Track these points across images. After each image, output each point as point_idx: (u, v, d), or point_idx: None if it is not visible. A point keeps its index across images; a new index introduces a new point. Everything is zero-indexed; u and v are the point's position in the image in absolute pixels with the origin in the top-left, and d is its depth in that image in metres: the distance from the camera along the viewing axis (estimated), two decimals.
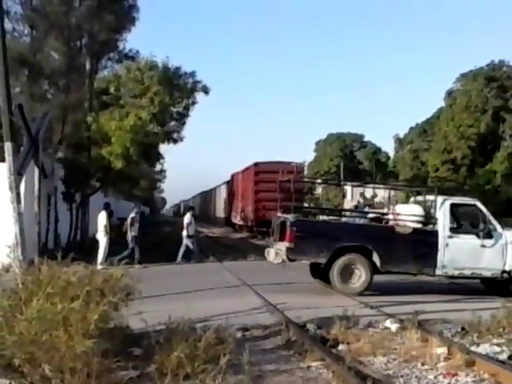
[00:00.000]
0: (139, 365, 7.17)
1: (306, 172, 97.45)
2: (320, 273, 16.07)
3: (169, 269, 20.75)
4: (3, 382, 5.90)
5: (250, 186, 43.26)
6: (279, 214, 17.05)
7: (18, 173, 12.60)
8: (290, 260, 15.52)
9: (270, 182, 33.45)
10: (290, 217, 15.44)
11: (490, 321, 10.47)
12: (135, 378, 6.88)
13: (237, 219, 50.03)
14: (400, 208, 17.31)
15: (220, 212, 64.05)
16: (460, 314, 11.30)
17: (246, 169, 46.29)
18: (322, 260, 15.15)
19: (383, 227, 16.30)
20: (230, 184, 54.98)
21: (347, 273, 14.97)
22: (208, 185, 79.90)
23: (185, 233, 23.70)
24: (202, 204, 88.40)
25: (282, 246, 15.53)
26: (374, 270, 15.11)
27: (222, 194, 62.21)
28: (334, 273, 14.92)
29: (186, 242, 23.44)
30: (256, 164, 43.50)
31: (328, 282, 15.36)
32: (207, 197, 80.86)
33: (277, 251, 15.92)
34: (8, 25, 25.39)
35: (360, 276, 15.02)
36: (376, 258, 15.05)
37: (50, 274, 7.07)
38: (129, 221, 21.92)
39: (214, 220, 67.83)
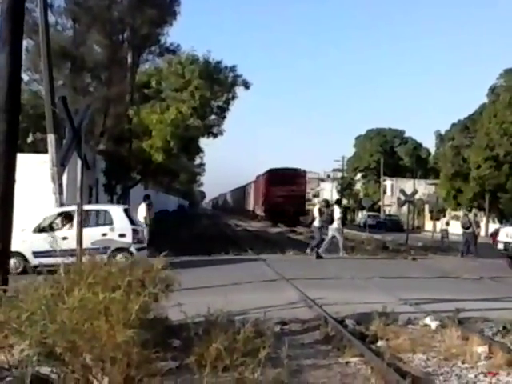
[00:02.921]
0: (178, 356, 7.21)
1: (345, 167, 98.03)
2: None
3: (208, 261, 20.80)
4: (45, 370, 5.97)
5: (267, 186, 58.08)
6: None
7: (61, 164, 12.76)
8: None
9: (282, 183, 54.99)
10: None
11: None
12: (174, 368, 6.92)
13: (258, 211, 65.54)
14: None
15: (249, 206, 77.43)
16: (501, 313, 11.12)
17: (264, 173, 62.27)
18: None
19: None
20: (256, 184, 69.72)
21: None
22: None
23: (335, 225, 23.72)
24: (235, 198, 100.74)
25: None
26: None
27: (250, 191, 76.90)
28: None
29: (332, 233, 23.70)
30: (270, 170, 59.62)
31: None
32: (240, 192, 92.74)
33: None
34: (51, 18, 25.71)
35: None
36: None
37: (91, 264, 7.15)
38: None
39: (246, 212, 77.95)
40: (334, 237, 23.44)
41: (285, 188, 55.24)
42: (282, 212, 53.19)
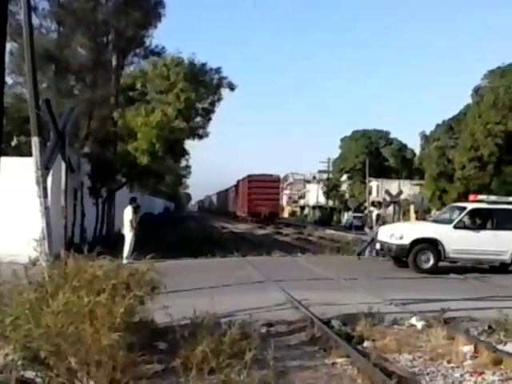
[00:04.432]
0: (164, 359, 7.18)
1: (331, 169, 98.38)
2: None
3: (193, 264, 20.76)
4: (30, 374, 5.94)
5: (246, 190, 66.13)
6: None
7: (45, 167, 12.67)
8: None
9: (259, 188, 64.48)
10: None
11: None
12: (160, 371, 6.89)
13: (239, 212, 73.37)
14: None
15: (231, 208, 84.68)
16: (486, 313, 11.18)
17: (243, 179, 70.05)
18: None
19: None
20: (236, 187, 77.56)
21: None
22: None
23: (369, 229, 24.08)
24: (220, 200, 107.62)
25: None
26: None
27: (232, 195, 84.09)
28: None
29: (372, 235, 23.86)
30: (249, 176, 67.24)
31: None
32: (223, 195, 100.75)
33: None
34: (35, 21, 25.71)
35: None
36: None
37: (76, 267, 7.12)
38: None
39: (228, 214, 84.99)
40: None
41: (261, 192, 64.30)
42: (259, 214, 63.68)
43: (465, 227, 19.73)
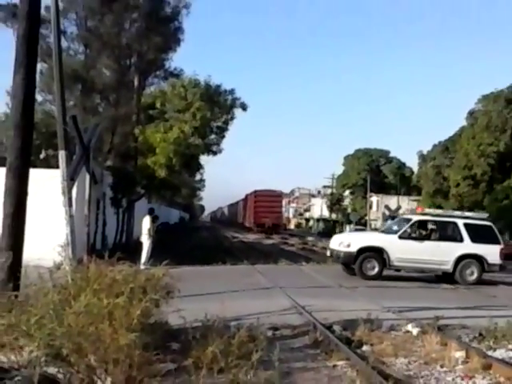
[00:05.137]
0: (177, 358, 7.17)
1: (334, 184, 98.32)
2: None
3: (206, 270, 20.73)
4: (52, 370, 5.94)
5: (253, 204, 69.54)
6: None
7: (71, 178, 12.69)
8: None
9: (264, 202, 67.50)
10: None
11: (505, 327, 10.30)
12: (173, 370, 6.88)
13: (247, 223, 75.98)
14: None
15: (240, 219, 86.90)
16: (477, 321, 11.15)
17: (251, 193, 73.11)
18: None
19: None
20: (244, 201, 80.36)
21: None
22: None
23: None
24: (231, 212, 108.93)
25: None
26: None
27: (241, 207, 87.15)
28: None
29: None
30: (255, 191, 70.87)
31: None
32: (234, 207, 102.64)
33: None
34: (64, 43, 25.88)
35: None
36: None
37: (97, 271, 7.12)
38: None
39: (238, 225, 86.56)
40: None
41: (266, 205, 67.79)
42: (264, 224, 66.72)
43: (409, 237, 19.65)
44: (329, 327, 10.06)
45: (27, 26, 9.15)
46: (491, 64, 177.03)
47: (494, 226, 20.35)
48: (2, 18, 28.55)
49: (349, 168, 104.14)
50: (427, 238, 19.89)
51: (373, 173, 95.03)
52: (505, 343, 9.68)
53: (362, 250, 19.27)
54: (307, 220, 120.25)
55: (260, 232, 64.17)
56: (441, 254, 19.43)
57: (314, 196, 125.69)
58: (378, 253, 19.29)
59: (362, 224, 78.58)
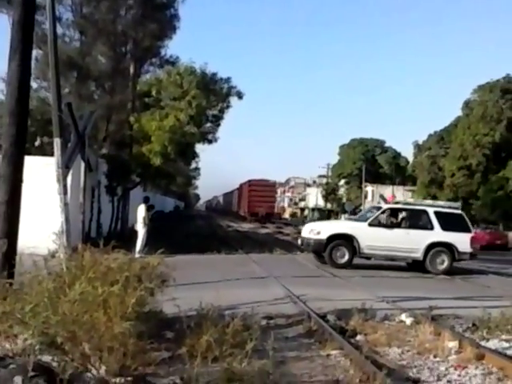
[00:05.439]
0: (171, 347, 7.18)
1: (330, 174, 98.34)
2: None
3: (200, 259, 20.74)
4: (46, 358, 5.94)
5: (247, 193, 70.06)
6: None
7: (66, 166, 12.67)
8: None
9: (257, 191, 68.41)
10: None
11: (499, 318, 10.34)
12: (167, 358, 6.90)
13: (241, 212, 76.60)
14: None
15: (235, 208, 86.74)
16: (471, 311, 11.19)
17: (245, 183, 73.26)
18: None
19: None
20: (239, 190, 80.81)
21: None
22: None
23: None
24: (226, 201, 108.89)
25: None
26: None
27: (236, 196, 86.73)
28: None
29: None
30: (250, 181, 70.91)
31: None
32: (229, 196, 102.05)
33: None
34: (59, 30, 25.70)
35: None
36: None
37: (92, 260, 7.11)
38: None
39: (233, 214, 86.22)
40: None
41: (260, 195, 68.45)
42: (257, 213, 67.69)
43: (379, 225, 19.73)
44: (323, 317, 10.08)
45: (22, 12, 9.08)
46: (487, 54, 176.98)
47: (464, 215, 20.44)
48: None
49: (344, 158, 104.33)
50: (397, 225, 19.97)
51: (368, 162, 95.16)
52: (498, 333, 9.71)
53: (331, 238, 19.32)
54: (302, 209, 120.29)
55: (254, 221, 64.83)
56: (411, 241, 19.49)
57: (309, 185, 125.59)
58: (348, 240, 19.34)
59: (356, 214, 78.63)
